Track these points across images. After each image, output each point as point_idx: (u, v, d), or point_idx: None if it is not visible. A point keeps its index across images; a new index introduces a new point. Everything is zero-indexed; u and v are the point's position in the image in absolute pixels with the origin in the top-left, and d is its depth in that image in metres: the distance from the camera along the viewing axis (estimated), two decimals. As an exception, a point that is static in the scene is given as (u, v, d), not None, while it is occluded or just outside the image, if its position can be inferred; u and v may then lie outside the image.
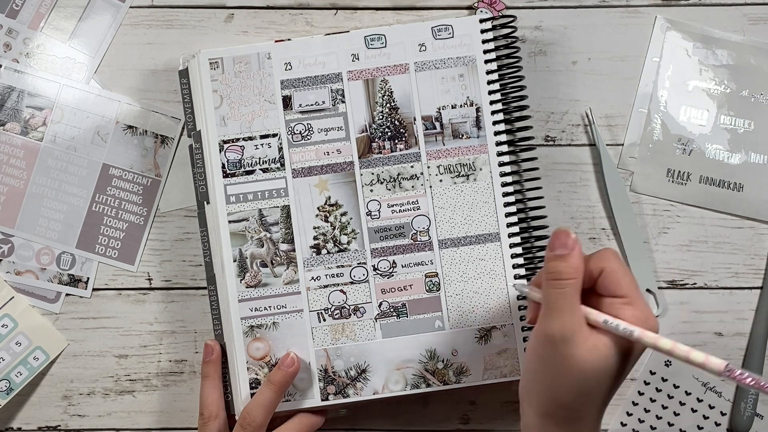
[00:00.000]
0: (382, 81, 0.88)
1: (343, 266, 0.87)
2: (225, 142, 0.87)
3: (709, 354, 0.64)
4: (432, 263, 0.88)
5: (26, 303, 0.92)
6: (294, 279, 0.87)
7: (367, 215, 0.88)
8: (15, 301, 0.92)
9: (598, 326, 0.69)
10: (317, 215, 0.87)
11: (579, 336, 0.68)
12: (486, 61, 0.89)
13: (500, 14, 0.93)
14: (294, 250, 0.87)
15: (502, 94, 0.89)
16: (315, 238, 0.87)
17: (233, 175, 0.87)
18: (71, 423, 0.93)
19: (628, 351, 0.70)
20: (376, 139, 0.88)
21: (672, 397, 0.92)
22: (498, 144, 0.88)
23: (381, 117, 0.88)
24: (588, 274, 0.71)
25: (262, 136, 0.88)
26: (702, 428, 0.92)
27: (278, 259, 0.87)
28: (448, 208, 0.88)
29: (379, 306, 0.87)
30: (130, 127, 0.93)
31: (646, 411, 0.92)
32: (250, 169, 0.87)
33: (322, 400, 0.86)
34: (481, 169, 0.88)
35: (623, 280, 0.71)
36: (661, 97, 0.94)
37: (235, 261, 0.87)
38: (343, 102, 0.88)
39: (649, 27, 0.94)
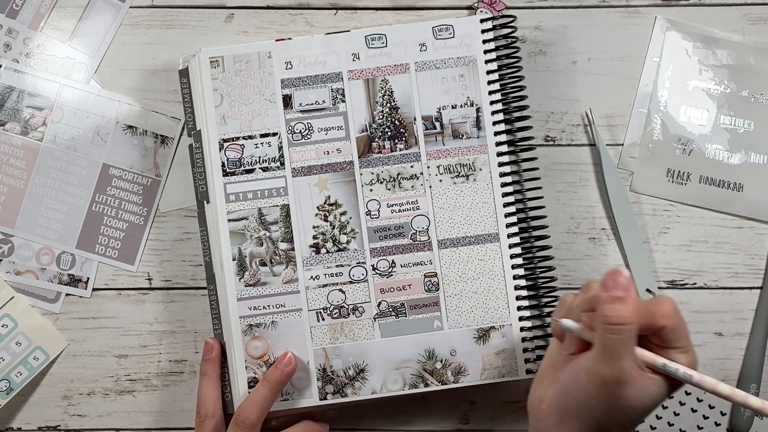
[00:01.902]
0: (382, 81, 0.89)
1: (342, 266, 0.87)
2: (225, 140, 0.87)
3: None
4: (431, 263, 0.88)
5: (26, 303, 0.92)
6: (293, 278, 0.87)
7: (367, 215, 0.88)
8: (15, 301, 0.92)
9: (654, 368, 0.69)
10: (317, 214, 0.87)
11: (633, 379, 0.68)
12: (486, 61, 0.89)
13: (500, 14, 0.93)
14: (293, 249, 0.87)
15: (502, 94, 0.89)
16: (314, 237, 0.87)
17: (233, 173, 0.87)
18: (71, 423, 0.92)
19: (673, 387, 0.71)
20: (376, 139, 0.88)
21: (672, 396, 0.91)
22: (498, 144, 0.88)
23: (381, 117, 0.88)
24: (647, 326, 0.69)
25: (262, 135, 0.88)
26: (702, 428, 0.92)
27: (277, 258, 0.87)
28: (447, 208, 0.88)
29: (378, 306, 0.87)
30: (130, 127, 0.93)
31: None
32: (250, 168, 0.87)
33: (320, 399, 0.86)
34: (480, 170, 0.88)
35: (683, 334, 0.70)
36: (661, 97, 0.94)
37: (234, 260, 0.87)
38: (344, 101, 0.88)
39: (649, 27, 0.94)
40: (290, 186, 0.87)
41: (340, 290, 0.87)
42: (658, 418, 0.92)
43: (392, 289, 0.87)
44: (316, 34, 0.89)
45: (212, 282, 0.88)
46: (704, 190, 0.93)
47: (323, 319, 0.87)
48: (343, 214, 0.88)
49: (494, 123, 0.88)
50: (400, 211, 0.88)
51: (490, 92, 0.89)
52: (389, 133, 0.88)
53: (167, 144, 0.93)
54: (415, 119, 0.88)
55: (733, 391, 0.68)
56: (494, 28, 0.89)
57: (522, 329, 0.87)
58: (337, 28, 0.94)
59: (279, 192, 0.87)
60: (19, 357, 0.91)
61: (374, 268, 0.87)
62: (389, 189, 0.88)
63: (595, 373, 0.69)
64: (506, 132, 0.89)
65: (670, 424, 0.92)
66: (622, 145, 0.93)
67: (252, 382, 0.86)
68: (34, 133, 0.93)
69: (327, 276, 0.87)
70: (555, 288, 0.89)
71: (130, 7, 0.94)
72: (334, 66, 0.88)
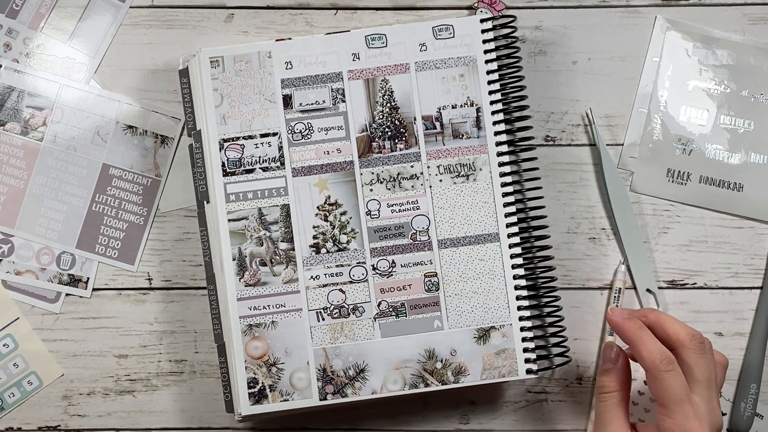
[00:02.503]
0: (382, 80, 0.88)
1: (342, 265, 0.87)
2: (225, 140, 0.87)
3: None
4: (431, 263, 0.87)
5: (29, 327, 0.92)
6: (293, 278, 0.87)
7: (367, 215, 0.88)
8: (19, 323, 0.91)
9: None
10: (317, 214, 0.87)
11: None
12: (486, 61, 0.89)
13: (500, 14, 0.93)
14: (293, 249, 0.87)
15: (502, 94, 0.89)
16: (314, 237, 0.87)
17: (233, 173, 0.87)
18: (71, 423, 0.92)
19: None
20: (376, 139, 0.88)
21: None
22: (498, 144, 0.88)
23: (381, 116, 0.88)
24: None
25: (263, 135, 0.88)
26: (702, 428, 0.92)
27: (277, 258, 0.87)
28: (447, 208, 0.88)
29: (378, 305, 0.87)
30: (130, 127, 0.93)
31: (647, 411, 0.91)
32: (250, 167, 0.87)
33: (320, 399, 0.86)
34: (481, 169, 0.88)
35: (660, 392, 0.77)
36: (661, 97, 0.94)
37: (234, 259, 0.87)
38: (344, 101, 0.88)
39: (649, 27, 0.94)
40: (290, 186, 0.87)
41: (340, 290, 0.87)
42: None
43: (392, 289, 0.87)
44: (316, 34, 0.89)
45: (212, 282, 0.88)
46: (704, 190, 0.93)
47: (323, 319, 0.87)
48: (343, 214, 0.88)
49: (494, 123, 0.88)
50: (400, 211, 0.88)
51: (490, 92, 0.89)
52: (389, 133, 0.88)
53: (167, 144, 0.93)
54: (415, 119, 0.88)
55: None
56: (494, 28, 0.89)
57: (522, 329, 0.87)
58: (337, 28, 0.94)
59: (279, 192, 0.87)
60: (14, 378, 0.91)
61: (374, 268, 0.87)
62: (389, 189, 0.88)
63: None
64: (506, 132, 0.89)
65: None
66: (622, 145, 0.94)
67: (251, 383, 0.86)
68: (34, 133, 0.93)
69: (327, 276, 0.87)
70: (555, 288, 0.89)
71: (130, 7, 0.94)
72: (334, 66, 0.88)
